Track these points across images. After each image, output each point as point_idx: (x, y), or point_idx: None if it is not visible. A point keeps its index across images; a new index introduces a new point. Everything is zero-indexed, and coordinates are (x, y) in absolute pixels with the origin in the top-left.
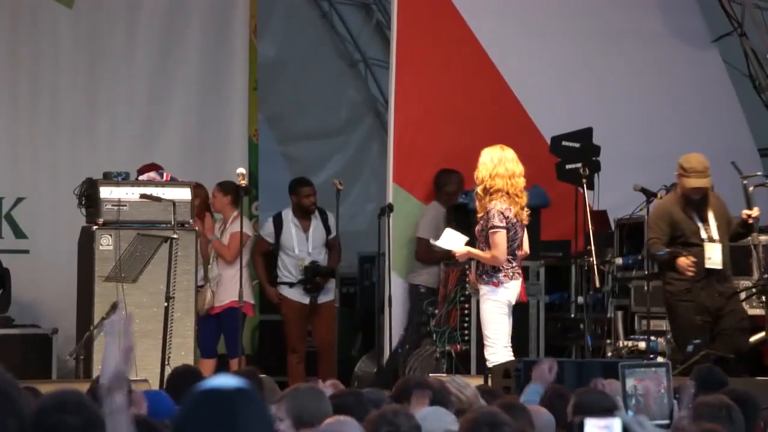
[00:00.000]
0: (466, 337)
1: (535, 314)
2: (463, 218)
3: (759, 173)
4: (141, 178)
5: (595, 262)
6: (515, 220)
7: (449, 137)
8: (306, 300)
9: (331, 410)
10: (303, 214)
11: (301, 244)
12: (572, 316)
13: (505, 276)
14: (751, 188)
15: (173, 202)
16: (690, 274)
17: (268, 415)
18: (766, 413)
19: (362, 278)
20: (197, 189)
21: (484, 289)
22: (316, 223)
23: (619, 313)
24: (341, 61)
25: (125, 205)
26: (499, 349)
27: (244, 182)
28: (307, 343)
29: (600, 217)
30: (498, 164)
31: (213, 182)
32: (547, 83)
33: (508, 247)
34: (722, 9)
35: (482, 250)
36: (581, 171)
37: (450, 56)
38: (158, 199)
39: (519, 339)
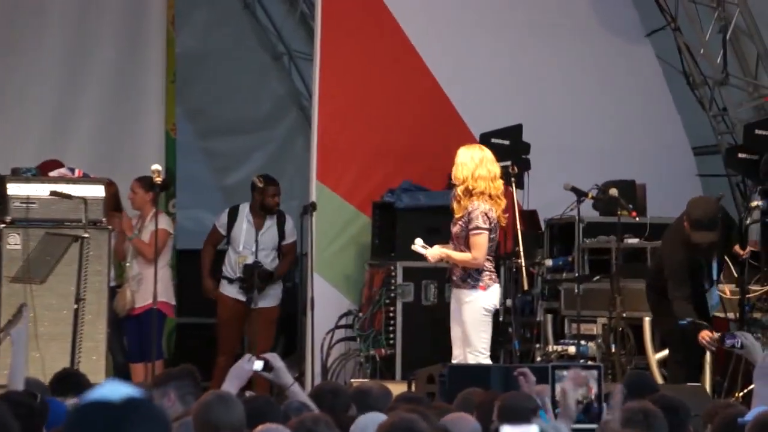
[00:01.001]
0: (391, 341)
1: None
2: (388, 217)
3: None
4: (52, 174)
5: (523, 264)
6: (496, 222)
7: (375, 134)
8: (243, 298)
9: (244, 418)
10: (261, 213)
11: (248, 243)
12: (500, 319)
13: (490, 279)
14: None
15: (84, 200)
16: (712, 349)
17: (166, 427)
18: (698, 420)
19: (284, 279)
20: (108, 186)
21: (470, 294)
22: (270, 224)
23: (549, 317)
24: (264, 53)
25: (34, 203)
26: (485, 359)
27: (159, 179)
28: (240, 347)
29: (530, 217)
30: (480, 165)
31: (128, 179)
32: (477, 78)
33: (488, 250)
34: (656, 2)
35: (460, 251)
36: (510, 169)
37: (376, 49)
38: (68, 197)
39: (444, 343)
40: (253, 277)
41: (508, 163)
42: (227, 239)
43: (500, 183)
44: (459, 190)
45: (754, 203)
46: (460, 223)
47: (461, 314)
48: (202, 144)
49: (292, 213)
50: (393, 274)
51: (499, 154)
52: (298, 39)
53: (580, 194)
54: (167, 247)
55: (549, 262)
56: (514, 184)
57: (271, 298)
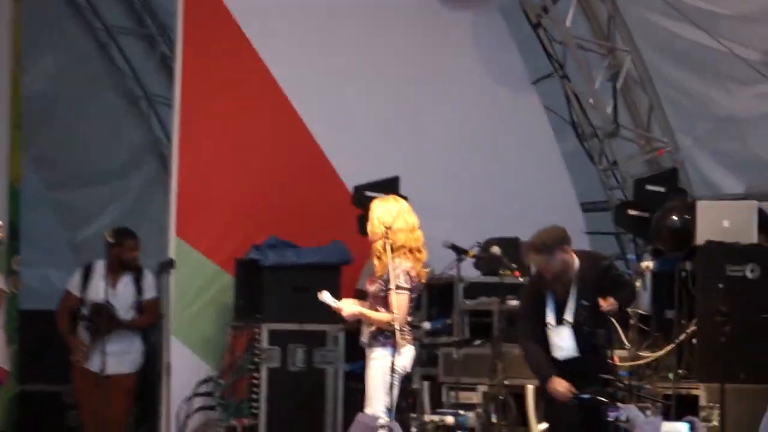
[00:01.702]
0: (255, 410)
1: (332, 384)
2: (253, 275)
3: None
4: None
5: (397, 327)
6: (417, 281)
7: (240, 185)
8: (95, 368)
9: None
10: (117, 269)
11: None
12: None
13: (403, 339)
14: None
15: None
16: (567, 397)
17: None
18: None
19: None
20: None
21: (378, 352)
22: (127, 280)
23: (426, 384)
24: (121, 97)
25: None
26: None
27: (1, 235)
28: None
29: None
30: (397, 217)
31: None
32: (352, 128)
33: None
34: (543, 48)
35: (377, 311)
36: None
37: (243, 95)
38: None
39: (312, 412)
40: (101, 317)
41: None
42: (82, 302)
43: (419, 234)
44: (378, 245)
45: (644, 264)
46: (379, 281)
47: (367, 372)
48: (50, 196)
49: (151, 271)
50: (257, 337)
51: None
52: (158, 82)
53: (460, 252)
54: (1, 307)
55: (427, 325)
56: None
57: (126, 363)
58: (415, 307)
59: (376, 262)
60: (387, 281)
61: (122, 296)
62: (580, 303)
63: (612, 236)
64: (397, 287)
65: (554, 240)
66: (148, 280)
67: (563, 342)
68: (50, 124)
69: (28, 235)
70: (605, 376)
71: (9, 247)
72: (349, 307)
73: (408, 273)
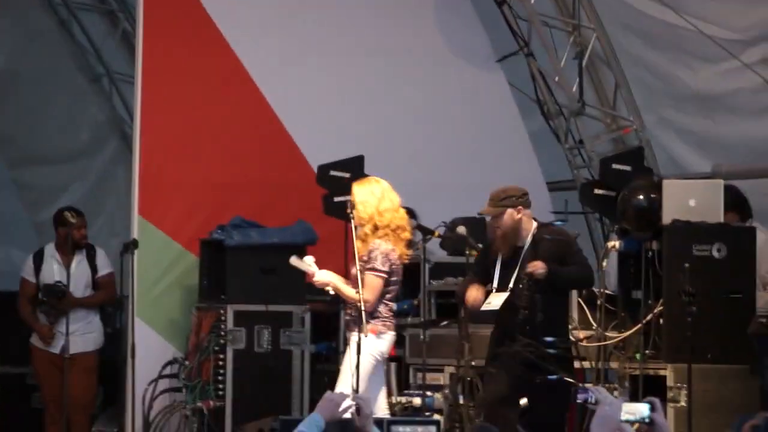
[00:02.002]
0: (221, 392)
1: (299, 365)
2: (218, 256)
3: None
4: None
5: (363, 308)
6: (398, 264)
7: (203, 164)
8: (56, 349)
9: None
10: (68, 249)
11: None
12: (341, 368)
13: (384, 325)
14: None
15: None
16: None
17: None
18: None
19: (105, 322)
20: None
21: (356, 338)
22: (79, 258)
23: (393, 365)
24: (82, 75)
25: None
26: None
27: None
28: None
29: None
30: (382, 198)
31: None
32: (315, 106)
33: (384, 295)
34: (507, 26)
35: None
36: (348, 205)
37: (205, 73)
38: None
39: (278, 394)
40: (55, 297)
41: (349, 197)
42: (38, 286)
43: (403, 212)
44: (366, 228)
45: (611, 244)
46: (360, 262)
47: (350, 358)
48: (12, 175)
49: (112, 251)
50: (223, 318)
51: (339, 187)
52: (120, 60)
53: (426, 232)
54: None
55: (393, 306)
56: (353, 221)
57: (86, 342)
58: (398, 290)
59: (359, 244)
60: (366, 261)
61: (77, 275)
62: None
63: (579, 216)
64: (373, 269)
65: (508, 196)
66: (101, 256)
67: (494, 307)
68: (10, 102)
69: None
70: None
71: None
72: (322, 274)
73: (387, 255)
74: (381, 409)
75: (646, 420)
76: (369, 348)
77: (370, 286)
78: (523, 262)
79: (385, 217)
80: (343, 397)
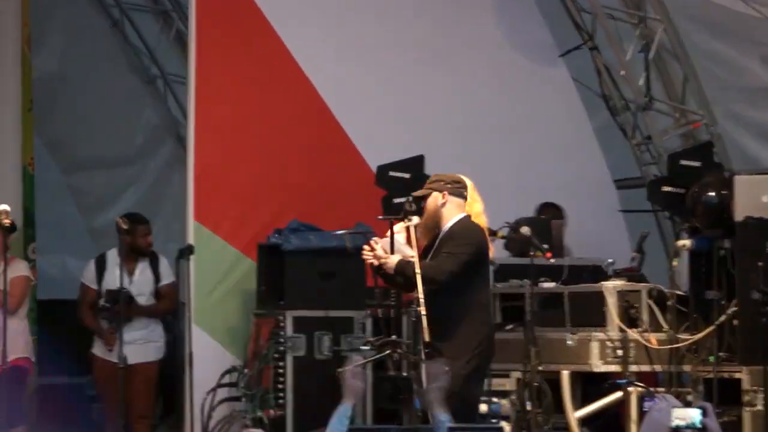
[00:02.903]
0: (281, 401)
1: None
2: (276, 260)
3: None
4: None
5: (423, 312)
6: None
7: (260, 167)
8: (116, 358)
9: None
10: (131, 255)
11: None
12: (405, 374)
13: None
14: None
15: None
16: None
17: None
18: None
19: (166, 330)
20: None
21: None
22: (143, 266)
23: None
24: (135, 76)
25: None
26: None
27: (8, 221)
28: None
29: None
30: (473, 202)
31: None
32: (374, 106)
33: None
34: (571, 19)
35: None
36: (408, 206)
37: (260, 73)
38: None
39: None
40: (118, 304)
41: (409, 198)
42: (99, 293)
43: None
44: None
45: (681, 243)
46: None
47: None
48: (65, 181)
49: (168, 258)
50: (282, 324)
51: (398, 188)
52: (174, 60)
53: (490, 233)
54: (26, 296)
55: None
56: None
57: (148, 352)
58: None
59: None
60: None
61: (140, 283)
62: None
63: (648, 214)
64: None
65: (439, 180)
66: (165, 265)
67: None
68: (63, 107)
69: (44, 222)
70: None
71: (24, 235)
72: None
73: None
74: None
75: (698, 425)
76: None
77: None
78: (434, 251)
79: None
80: (354, 371)
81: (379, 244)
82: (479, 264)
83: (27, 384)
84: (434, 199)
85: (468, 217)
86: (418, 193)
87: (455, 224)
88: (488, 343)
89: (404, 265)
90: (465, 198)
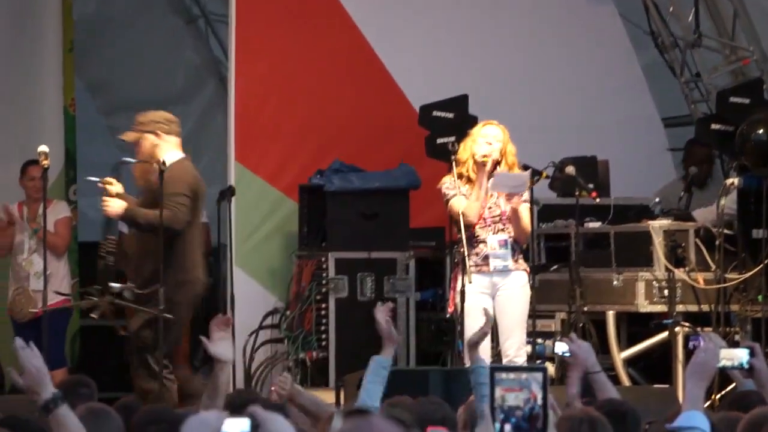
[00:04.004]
0: (324, 343)
1: (404, 314)
2: (318, 202)
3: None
4: None
5: (467, 253)
6: None
7: (302, 107)
8: None
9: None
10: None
11: None
12: (448, 316)
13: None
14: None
15: None
16: None
17: None
18: (656, 427)
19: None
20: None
21: (523, 278)
22: None
23: None
24: (176, 16)
25: None
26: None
27: (47, 162)
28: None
29: None
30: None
31: (19, 162)
32: (417, 44)
33: None
34: None
35: (509, 232)
36: (451, 146)
37: (302, 12)
38: None
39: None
40: None
41: (452, 138)
42: None
43: None
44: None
45: (730, 181)
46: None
47: (512, 301)
48: (106, 122)
49: (210, 199)
50: (324, 266)
51: (442, 128)
52: (215, 0)
53: (534, 173)
54: (68, 236)
55: None
56: (455, 163)
57: None
58: None
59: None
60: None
61: None
62: None
63: None
64: (527, 201)
65: (152, 121)
66: None
67: None
68: (103, 49)
69: (85, 164)
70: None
71: (65, 177)
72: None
73: None
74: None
75: (745, 366)
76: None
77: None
78: (155, 194)
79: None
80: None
81: (116, 186)
82: (195, 208)
83: (67, 326)
84: (149, 141)
85: (186, 158)
86: (129, 136)
87: (174, 165)
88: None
89: (133, 214)
90: (179, 136)
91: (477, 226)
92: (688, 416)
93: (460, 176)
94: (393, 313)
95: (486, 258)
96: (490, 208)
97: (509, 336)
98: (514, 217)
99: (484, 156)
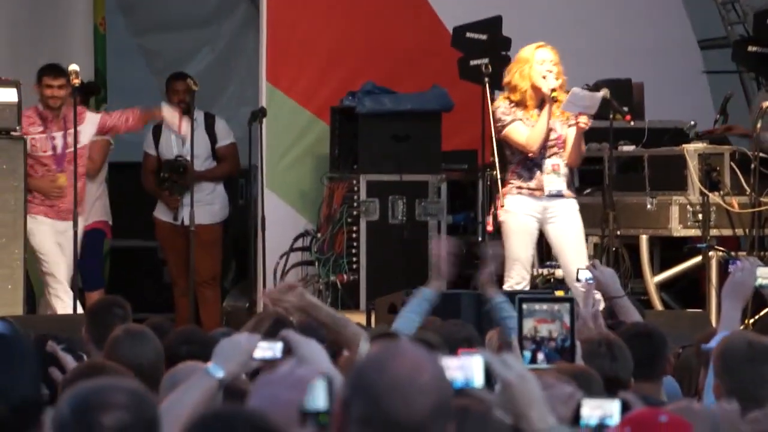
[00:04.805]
0: (355, 266)
1: (436, 237)
2: (349, 124)
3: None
4: None
5: (498, 177)
6: None
7: (333, 28)
8: (176, 221)
9: (162, 352)
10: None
11: (180, 154)
12: (480, 239)
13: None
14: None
15: None
16: None
17: (32, 365)
18: (690, 351)
19: (235, 197)
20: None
21: (575, 205)
22: (198, 128)
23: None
24: None
25: None
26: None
27: (77, 81)
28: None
29: None
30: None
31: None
32: None
33: None
34: None
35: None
36: (484, 68)
37: None
38: None
39: (415, 267)
40: (176, 173)
41: (485, 60)
42: (159, 159)
43: None
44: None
45: (766, 104)
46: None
47: (573, 226)
48: (137, 41)
49: (242, 121)
50: (355, 189)
51: (475, 50)
52: None
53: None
54: (105, 159)
55: None
56: (488, 85)
57: (207, 214)
58: None
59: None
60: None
61: (196, 146)
62: None
63: (733, 75)
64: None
65: None
66: (221, 126)
67: None
68: None
69: (115, 84)
70: None
71: (96, 97)
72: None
73: None
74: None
75: None
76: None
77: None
78: None
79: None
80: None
81: None
82: None
83: (103, 247)
84: None
85: None
86: None
87: None
88: None
89: None
90: None
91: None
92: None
93: (514, 102)
94: (455, 253)
95: (539, 181)
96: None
97: (576, 261)
98: (577, 138)
99: (553, 90)
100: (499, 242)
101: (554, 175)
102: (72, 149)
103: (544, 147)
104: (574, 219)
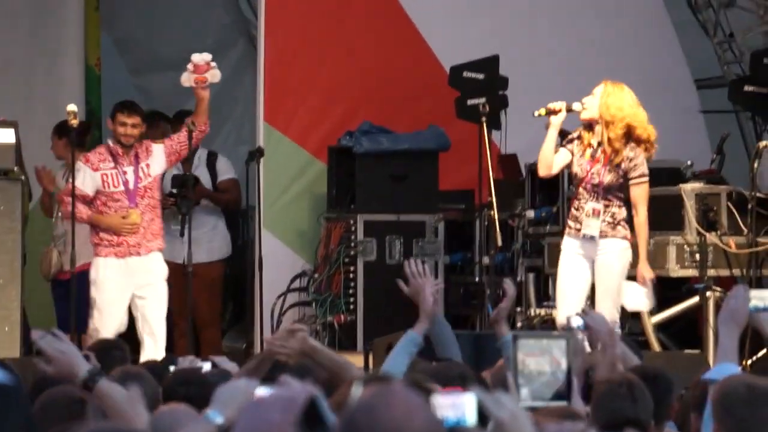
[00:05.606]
0: (352, 306)
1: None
2: (346, 163)
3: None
4: None
5: (496, 216)
6: None
7: (331, 67)
8: (179, 259)
9: (159, 393)
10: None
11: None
12: (477, 279)
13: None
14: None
15: None
16: None
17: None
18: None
19: (233, 237)
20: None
21: (620, 244)
22: (199, 165)
23: (531, 276)
24: None
25: None
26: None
27: (75, 122)
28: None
29: (509, 162)
30: (638, 108)
31: (44, 122)
32: (448, 4)
33: None
34: None
35: (610, 201)
36: (482, 107)
37: None
38: None
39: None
40: (186, 187)
41: (482, 100)
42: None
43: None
44: (619, 130)
45: (763, 143)
46: (618, 170)
47: (608, 267)
48: (134, 81)
49: (240, 160)
50: (353, 228)
51: (473, 89)
52: None
53: (565, 135)
54: None
55: (530, 214)
56: (485, 125)
57: (207, 252)
58: None
59: (608, 150)
60: (626, 171)
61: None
62: None
63: (729, 114)
64: (643, 174)
65: None
66: (222, 162)
67: None
68: (132, 6)
69: None
70: None
71: (90, 137)
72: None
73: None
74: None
75: None
76: (626, 257)
77: (646, 195)
78: None
79: (640, 132)
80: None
81: None
82: None
83: None
84: None
85: None
86: None
87: None
88: None
89: None
90: None
91: (580, 188)
92: (722, 368)
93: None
94: (437, 290)
95: (580, 222)
96: (591, 174)
97: (600, 302)
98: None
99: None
100: (511, 280)
101: (592, 219)
102: (144, 183)
103: (590, 190)
104: (610, 259)
